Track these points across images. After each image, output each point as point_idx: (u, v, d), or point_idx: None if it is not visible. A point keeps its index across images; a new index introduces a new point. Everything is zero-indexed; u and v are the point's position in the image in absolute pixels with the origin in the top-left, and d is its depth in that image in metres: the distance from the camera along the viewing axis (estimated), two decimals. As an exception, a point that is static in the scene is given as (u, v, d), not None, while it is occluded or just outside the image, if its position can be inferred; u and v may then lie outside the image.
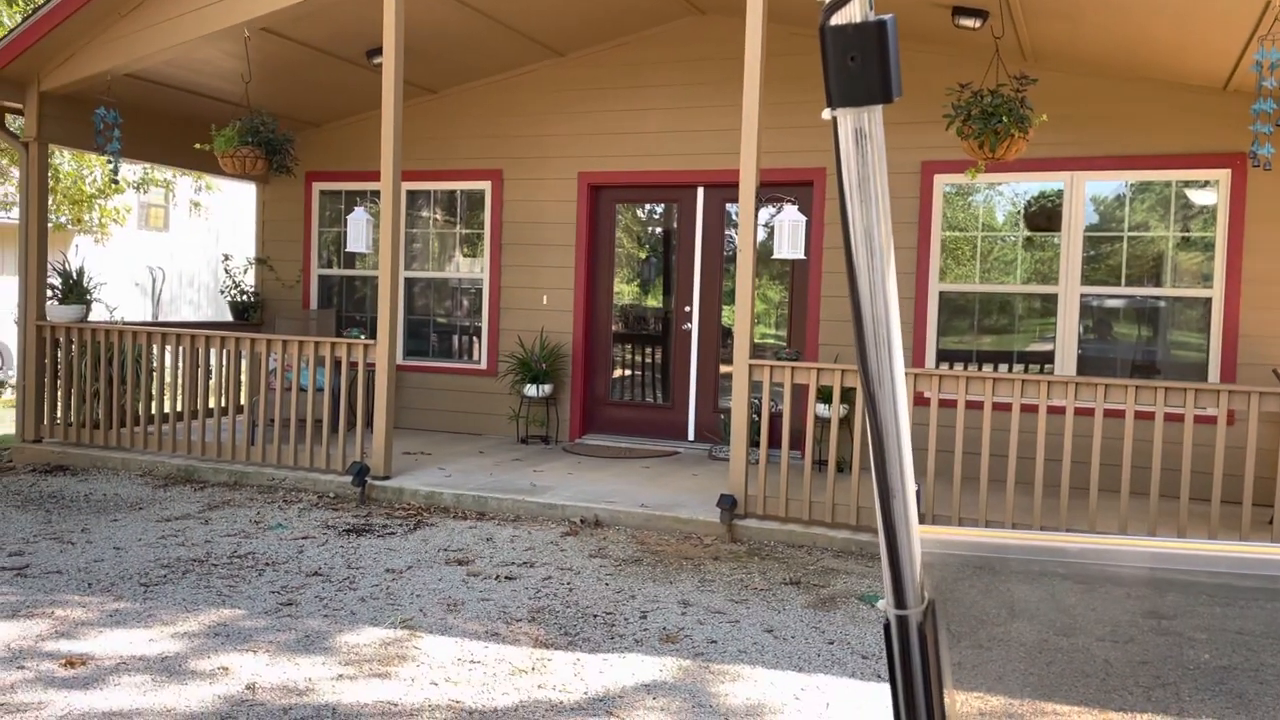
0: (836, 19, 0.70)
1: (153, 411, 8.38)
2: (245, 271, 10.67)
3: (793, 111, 8.04)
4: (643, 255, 9.55)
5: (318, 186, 10.37)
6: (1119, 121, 7.57)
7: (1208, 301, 7.45)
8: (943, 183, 8.07)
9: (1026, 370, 7.90)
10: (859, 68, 0.70)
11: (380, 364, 7.28)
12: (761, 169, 6.59)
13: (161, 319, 18.26)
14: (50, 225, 10.23)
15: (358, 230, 8.13)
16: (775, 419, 8.18)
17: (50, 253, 8.59)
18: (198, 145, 8.26)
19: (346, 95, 9.49)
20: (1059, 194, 7.82)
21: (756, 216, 6.43)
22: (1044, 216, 7.90)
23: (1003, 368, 7.97)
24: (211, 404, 9.51)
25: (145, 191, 16.57)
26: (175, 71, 8.35)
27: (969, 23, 6.75)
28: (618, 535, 6.34)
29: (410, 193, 9.85)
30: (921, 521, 0.83)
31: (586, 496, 6.89)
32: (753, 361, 6.43)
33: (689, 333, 9.17)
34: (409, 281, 9.99)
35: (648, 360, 9.50)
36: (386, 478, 7.25)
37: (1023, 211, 8.00)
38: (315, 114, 9.98)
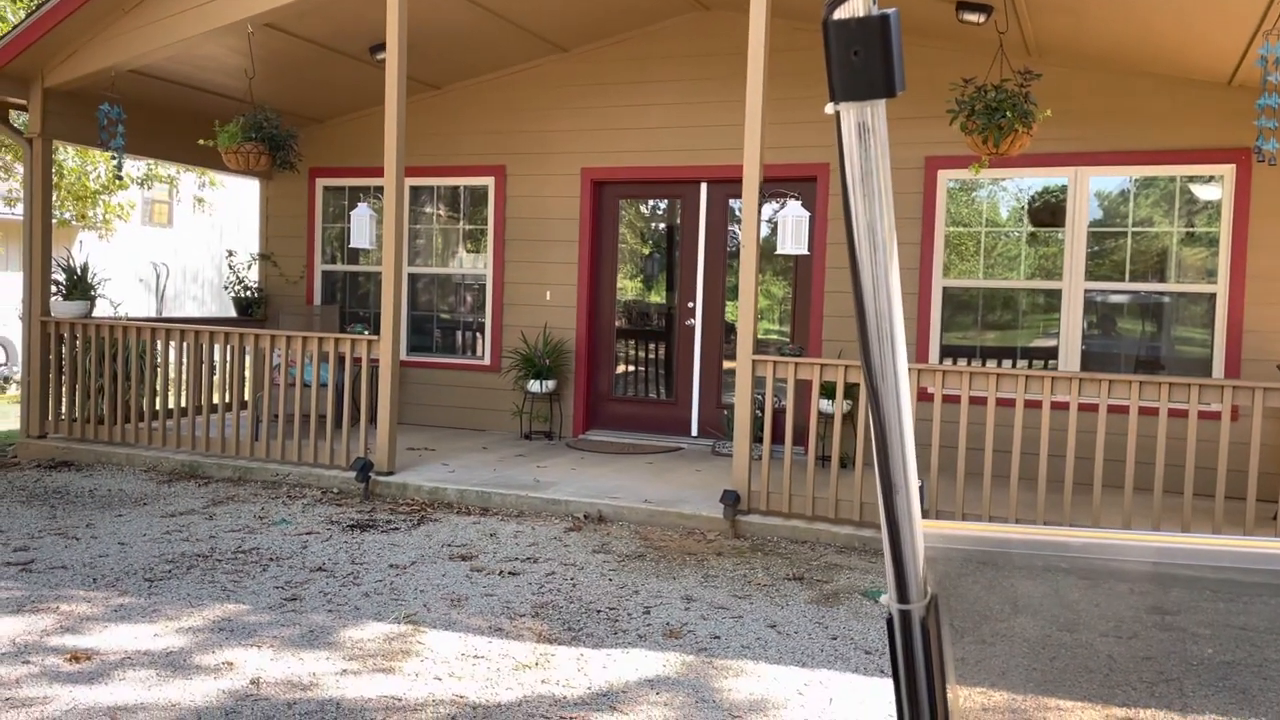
0: (840, 13, 0.70)
1: (157, 407, 8.39)
2: (249, 267, 10.68)
3: (796, 107, 8.03)
4: (646, 251, 9.54)
5: (321, 182, 10.37)
6: (1123, 116, 7.55)
7: (1212, 297, 7.44)
8: (946, 178, 8.06)
9: (1030, 366, 7.90)
10: (862, 62, 0.70)
11: (384, 360, 7.29)
12: (765, 164, 6.58)
13: (166, 315, 18.28)
14: (54, 221, 10.25)
15: (361, 226, 8.13)
16: (778, 415, 8.18)
17: (54, 249, 8.60)
18: (201, 141, 8.27)
19: (350, 91, 9.49)
20: (1063, 189, 7.80)
21: (760, 212, 6.43)
22: (1048, 212, 7.89)
23: (1006, 363, 7.96)
24: (216, 400, 9.53)
25: (149, 187, 16.61)
26: (179, 67, 8.36)
27: (973, 17, 6.73)
28: (621, 531, 6.35)
29: (414, 189, 9.86)
30: (925, 517, 0.83)
31: (590, 492, 6.89)
32: (756, 357, 6.42)
33: (692, 328, 9.17)
34: (412, 277, 10.00)
35: (651, 356, 9.50)
36: (390, 473, 7.27)
37: (1026, 207, 7.99)
38: (319, 110, 9.98)
